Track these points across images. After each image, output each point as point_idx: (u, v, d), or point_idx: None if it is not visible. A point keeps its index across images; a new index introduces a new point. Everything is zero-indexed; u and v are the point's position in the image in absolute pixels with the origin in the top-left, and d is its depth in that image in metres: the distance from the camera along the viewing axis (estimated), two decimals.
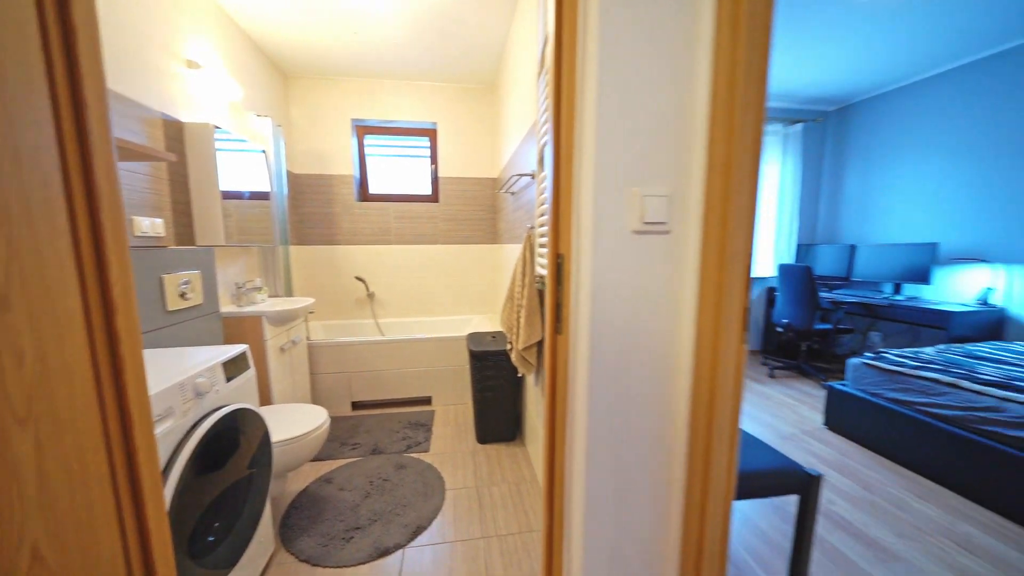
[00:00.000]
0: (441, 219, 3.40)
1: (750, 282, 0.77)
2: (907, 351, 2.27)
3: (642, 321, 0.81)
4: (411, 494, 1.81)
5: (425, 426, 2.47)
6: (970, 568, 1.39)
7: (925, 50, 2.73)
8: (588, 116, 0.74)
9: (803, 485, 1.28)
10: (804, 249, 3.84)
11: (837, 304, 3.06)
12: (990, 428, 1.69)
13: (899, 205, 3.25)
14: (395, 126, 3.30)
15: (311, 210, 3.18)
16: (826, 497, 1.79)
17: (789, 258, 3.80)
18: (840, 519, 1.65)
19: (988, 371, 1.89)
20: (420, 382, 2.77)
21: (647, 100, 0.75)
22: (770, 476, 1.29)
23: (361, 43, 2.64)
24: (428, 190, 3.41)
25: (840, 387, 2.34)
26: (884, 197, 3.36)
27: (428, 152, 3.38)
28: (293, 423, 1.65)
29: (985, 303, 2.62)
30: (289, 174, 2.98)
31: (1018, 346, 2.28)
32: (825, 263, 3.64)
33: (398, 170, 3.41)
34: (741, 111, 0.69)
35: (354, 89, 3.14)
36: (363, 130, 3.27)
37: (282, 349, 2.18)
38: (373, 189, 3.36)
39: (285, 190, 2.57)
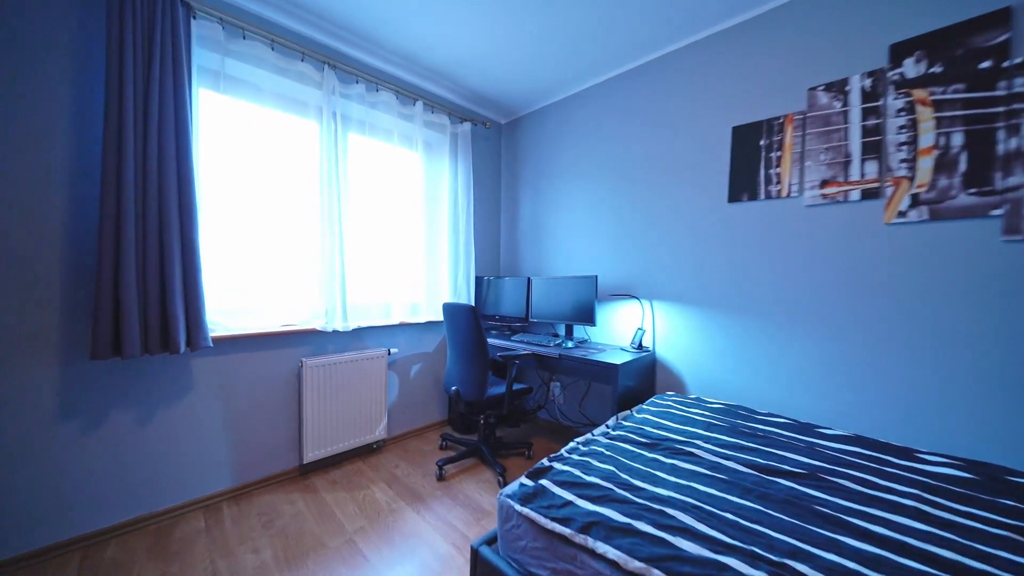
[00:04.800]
0: None
1: None
2: (575, 463, 1.37)
3: None
4: None
5: None
6: None
7: (585, 55, 2.32)
8: None
9: None
10: (486, 284, 3.06)
11: (509, 359, 2.20)
12: None
13: (562, 232, 2.85)
14: None
15: None
16: None
17: (466, 294, 2.92)
18: None
19: (669, 489, 1.08)
20: None
21: None
22: None
23: None
24: None
25: (488, 556, 1.21)
26: (550, 223, 2.94)
27: None
28: None
29: (640, 347, 2.27)
30: None
31: (679, 408, 1.82)
32: (508, 301, 2.92)
33: None
34: None
35: None
36: None
37: None
38: None
39: None
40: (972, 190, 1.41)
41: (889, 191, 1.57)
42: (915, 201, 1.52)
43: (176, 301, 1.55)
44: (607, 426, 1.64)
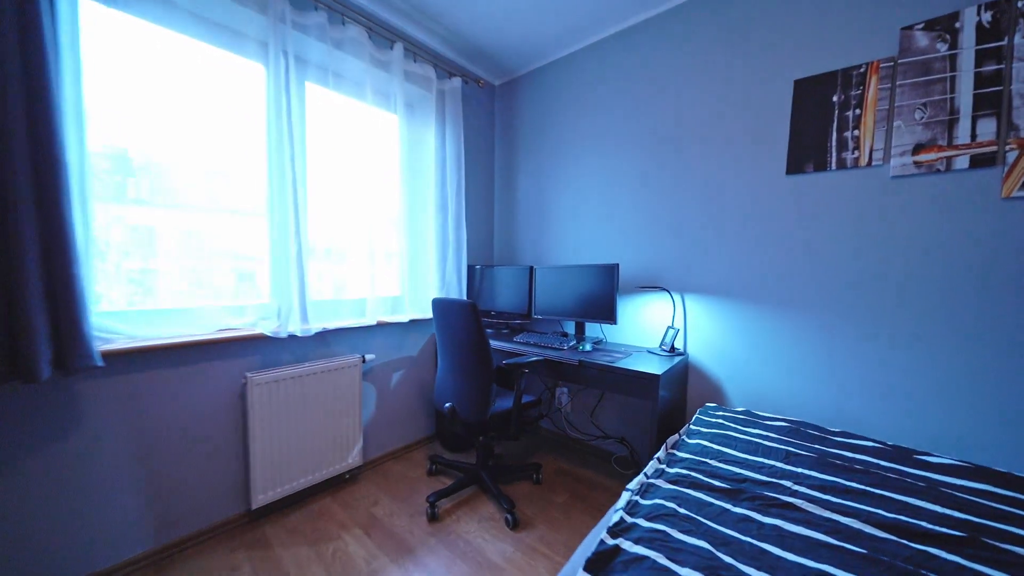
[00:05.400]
0: None
1: None
2: (647, 537, 0.96)
3: None
4: None
5: None
6: None
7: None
8: None
9: None
10: (479, 274, 2.61)
11: (517, 368, 1.78)
12: None
13: (569, 214, 2.44)
14: None
15: None
16: None
17: (457, 287, 2.46)
18: None
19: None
20: None
21: None
22: None
23: None
24: None
25: None
26: (556, 203, 2.52)
27: None
28: None
29: (673, 349, 1.91)
30: None
31: (734, 428, 1.45)
32: (506, 295, 2.49)
33: None
34: None
35: None
36: None
37: None
38: None
39: None
40: None
41: (1011, 156, 1.25)
42: None
43: (31, 303, 1.02)
44: (658, 460, 1.27)
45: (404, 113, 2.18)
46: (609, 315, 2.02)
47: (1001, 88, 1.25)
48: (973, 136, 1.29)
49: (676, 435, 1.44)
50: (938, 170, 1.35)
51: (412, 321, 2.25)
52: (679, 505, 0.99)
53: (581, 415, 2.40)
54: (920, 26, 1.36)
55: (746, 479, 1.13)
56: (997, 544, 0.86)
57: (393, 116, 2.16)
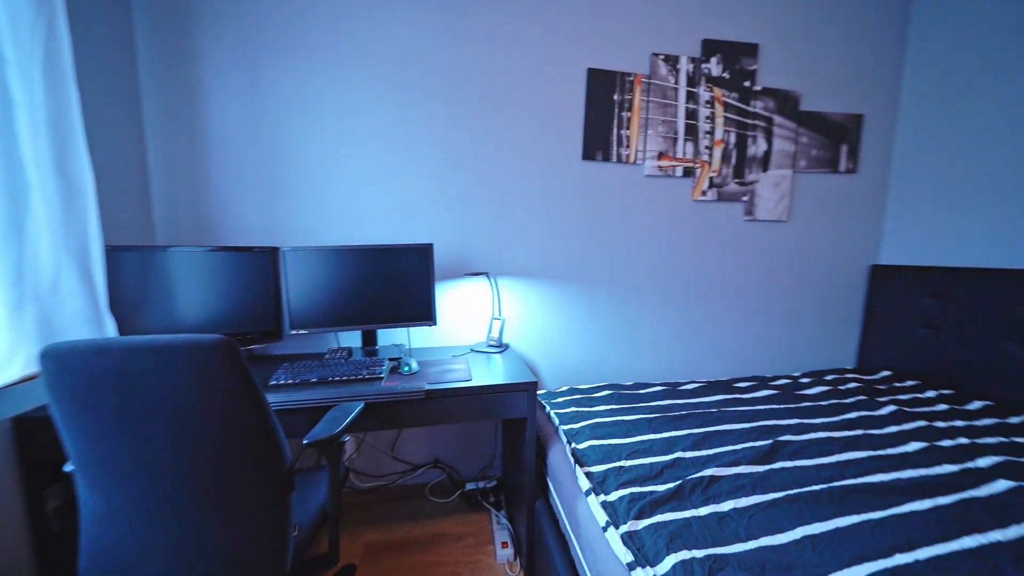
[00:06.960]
0: None
1: None
2: None
3: None
4: None
5: None
6: None
7: None
8: None
9: None
10: (133, 262, 1.25)
11: (328, 443, 0.95)
12: None
13: (332, 168, 1.60)
14: None
15: None
16: None
17: (87, 296, 1.07)
18: None
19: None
20: None
21: None
22: None
23: None
24: None
25: None
26: (300, 143, 1.57)
27: None
28: None
29: (499, 344, 1.66)
30: None
31: (593, 411, 1.40)
32: (210, 301, 1.32)
33: None
34: None
35: None
36: None
37: None
38: None
39: None
40: (737, 180, 1.89)
41: (698, 172, 1.85)
42: (711, 183, 1.87)
43: None
44: (593, 492, 1.03)
45: None
46: (426, 313, 1.49)
47: (695, 123, 1.83)
48: (684, 153, 1.83)
49: (565, 445, 1.24)
50: (669, 174, 1.83)
51: None
52: (688, 546, 0.81)
53: (376, 456, 1.74)
54: (662, 57, 1.75)
55: (661, 467, 1.11)
56: (786, 439, 1.26)
57: None
